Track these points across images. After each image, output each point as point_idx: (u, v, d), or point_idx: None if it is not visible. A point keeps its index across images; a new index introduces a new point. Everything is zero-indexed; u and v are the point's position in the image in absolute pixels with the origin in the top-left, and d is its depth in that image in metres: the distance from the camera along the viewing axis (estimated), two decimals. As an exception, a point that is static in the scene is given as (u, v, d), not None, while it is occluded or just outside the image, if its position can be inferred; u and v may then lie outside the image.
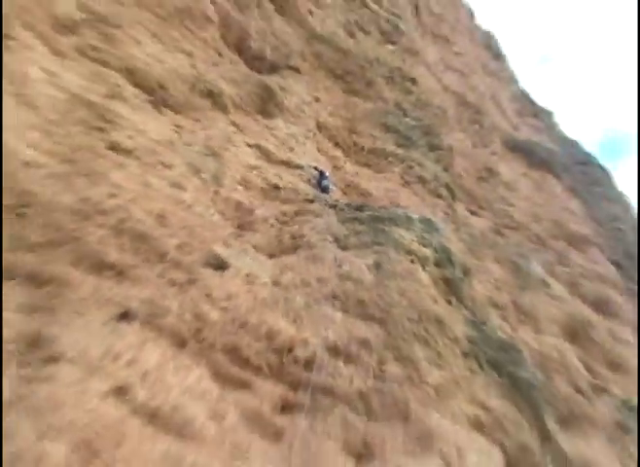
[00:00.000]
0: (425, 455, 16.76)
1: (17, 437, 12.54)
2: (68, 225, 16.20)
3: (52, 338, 14.26)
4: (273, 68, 27.10)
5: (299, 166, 23.79)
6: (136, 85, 20.92)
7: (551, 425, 21.84)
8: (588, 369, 31.57)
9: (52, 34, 19.68)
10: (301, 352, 17.67)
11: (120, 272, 16.36)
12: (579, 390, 29.82)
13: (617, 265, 40.82)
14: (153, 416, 14.59)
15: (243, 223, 20.55)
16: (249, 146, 22.93)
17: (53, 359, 13.98)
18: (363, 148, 27.53)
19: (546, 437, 20.76)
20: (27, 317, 14.54)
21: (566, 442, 24.03)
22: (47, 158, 17.14)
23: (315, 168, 24.11)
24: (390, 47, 33.26)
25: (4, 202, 15.89)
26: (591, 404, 29.73)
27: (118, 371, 14.60)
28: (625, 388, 32.18)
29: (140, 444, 13.98)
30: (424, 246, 21.39)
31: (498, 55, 53.20)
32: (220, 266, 18.30)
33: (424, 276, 20.59)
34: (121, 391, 14.38)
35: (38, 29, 19.24)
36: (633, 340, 36.11)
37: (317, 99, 27.72)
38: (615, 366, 33.22)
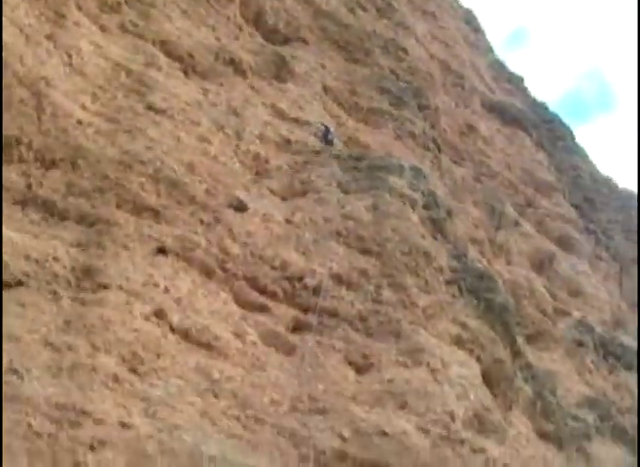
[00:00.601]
0: (415, 367, 16.91)
1: (75, 351, 12.69)
2: (113, 173, 16.24)
3: (101, 268, 14.38)
4: (285, 40, 26.77)
5: (307, 123, 23.63)
6: (169, 55, 20.74)
7: (520, 342, 22.00)
8: (552, 295, 31.70)
9: (98, 13, 19.50)
10: (309, 280, 17.80)
11: (157, 213, 16.44)
12: (543, 312, 30.00)
13: (576, 207, 40.67)
14: (186, 335, 14.75)
15: (260, 171, 20.51)
16: (265, 106, 22.76)
17: (104, 286, 14.12)
18: (362, 107, 27.23)
19: (516, 351, 20.91)
20: (81, 251, 14.65)
21: (532, 355, 24.29)
22: (95, 117, 17.12)
23: (321, 124, 23.97)
24: (385, 21, 32.69)
25: (61, 156, 15.94)
26: (554, 324, 29.96)
27: (157, 296, 14.74)
28: (582, 310, 32.38)
29: (176, 357, 14.15)
30: (414, 191, 21.32)
31: (477, 29, 52.29)
32: (241, 207, 18.35)
33: (414, 216, 20.58)
34: (160, 313, 14.53)
35: (87, 9, 19.08)
36: (590, 270, 36.23)
37: (323, 66, 27.39)
38: (573, 292, 33.34)
